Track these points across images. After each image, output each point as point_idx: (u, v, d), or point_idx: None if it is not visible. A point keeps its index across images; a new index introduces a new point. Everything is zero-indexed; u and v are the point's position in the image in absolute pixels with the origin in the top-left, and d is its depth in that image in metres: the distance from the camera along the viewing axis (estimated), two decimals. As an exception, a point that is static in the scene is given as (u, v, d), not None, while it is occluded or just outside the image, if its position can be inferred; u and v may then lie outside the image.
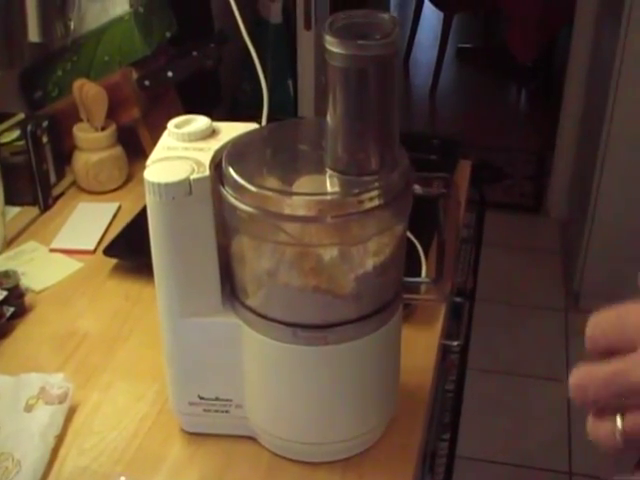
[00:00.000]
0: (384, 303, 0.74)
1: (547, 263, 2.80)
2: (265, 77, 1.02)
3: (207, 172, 0.71)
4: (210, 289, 0.76)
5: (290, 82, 2.16)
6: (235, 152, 0.73)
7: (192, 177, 0.70)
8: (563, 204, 2.98)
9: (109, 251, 1.10)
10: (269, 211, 0.68)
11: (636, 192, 2.34)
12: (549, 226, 2.99)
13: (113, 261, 1.11)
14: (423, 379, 0.92)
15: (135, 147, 1.34)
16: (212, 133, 0.77)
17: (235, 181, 0.70)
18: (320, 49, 0.69)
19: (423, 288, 0.80)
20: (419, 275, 0.99)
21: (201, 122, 0.77)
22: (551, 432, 2.11)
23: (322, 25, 0.66)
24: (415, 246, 1.04)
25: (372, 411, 0.80)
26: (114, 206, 1.25)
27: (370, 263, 0.70)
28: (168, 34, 1.34)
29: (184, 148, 0.75)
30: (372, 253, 0.70)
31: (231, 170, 0.70)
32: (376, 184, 0.68)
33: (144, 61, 1.31)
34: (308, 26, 2.05)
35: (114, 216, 1.22)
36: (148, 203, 0.72)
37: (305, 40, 2.08)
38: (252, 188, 0.69)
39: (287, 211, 0.67)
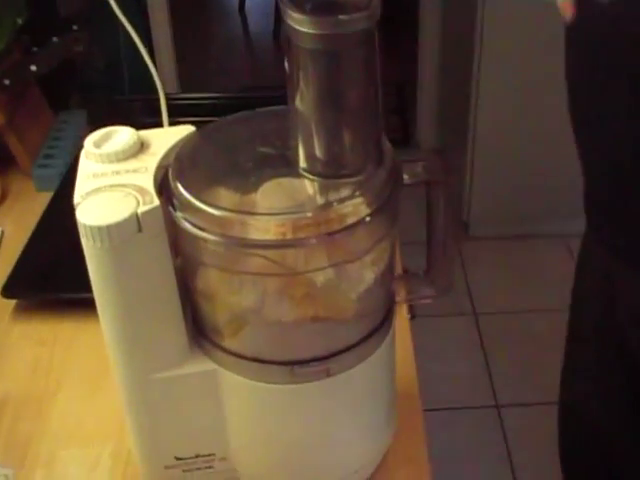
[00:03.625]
0: (385, 315, 0.64)
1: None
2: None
3: (156, 201, 0.57)
4: (174, 338, 0.62)
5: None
6: (182, 167, 0.60)
7: (139, 210, 0.56)
8: (433, 135, 2.95)
9: (8, 292, 0.93)
10: (237, 237, 0.55)
11: (512, 115, 2.32)
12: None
13: (12, 302, 0.94)
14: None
15: (4, 158, 1.16)
16: (142, 147, 0.63)
17: (191, 205, 0.56)
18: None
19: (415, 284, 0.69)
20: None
21: (124, 135, 0.63)
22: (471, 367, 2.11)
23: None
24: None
25: (379, 432, 0.70)
26: (-5, 233, 1.07)
27: (371, 276, 0.59)
28: (19, 21, 1.14)
29: (114, 172, 0.60)
30: (370, 263, 0.59)
31: (183, 191, 0.57)
32: (364, 187, 0.56)
33: (-4, 56, 1.12)
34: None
35: (-2, 245, 1.05)
36: (86, 249, 0.57)
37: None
38: (214, 211, 0.55)
39: (258, 235, 0.55)
